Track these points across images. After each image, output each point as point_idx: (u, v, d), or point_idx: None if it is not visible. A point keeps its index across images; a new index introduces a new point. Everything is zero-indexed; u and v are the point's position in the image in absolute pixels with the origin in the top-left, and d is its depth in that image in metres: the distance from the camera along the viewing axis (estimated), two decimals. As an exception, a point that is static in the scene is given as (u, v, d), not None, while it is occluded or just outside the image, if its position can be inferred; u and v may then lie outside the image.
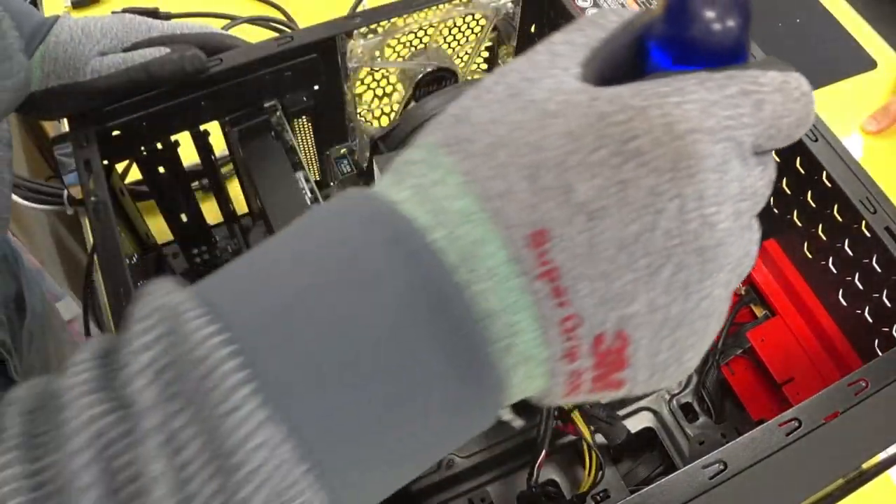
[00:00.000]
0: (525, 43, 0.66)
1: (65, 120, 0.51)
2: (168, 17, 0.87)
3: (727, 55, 0.21)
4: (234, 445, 0.17)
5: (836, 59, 0.94)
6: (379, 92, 0.64)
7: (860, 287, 0.50)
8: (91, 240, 0.72)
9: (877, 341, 0.50)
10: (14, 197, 0.69)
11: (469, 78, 0.67)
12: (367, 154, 0.60)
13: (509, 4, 0.62)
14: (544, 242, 0.19)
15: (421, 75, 0.62)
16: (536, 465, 0.52)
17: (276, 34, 0.67)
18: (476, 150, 0.20)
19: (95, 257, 0.66)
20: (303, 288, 0.19)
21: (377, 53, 0.59)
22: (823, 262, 0.53)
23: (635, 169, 0.19)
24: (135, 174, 0.72)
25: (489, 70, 0.70)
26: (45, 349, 0.66)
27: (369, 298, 0.19)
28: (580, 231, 0.19)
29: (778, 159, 0.55)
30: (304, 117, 0.61)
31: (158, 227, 0.65)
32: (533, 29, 0.65)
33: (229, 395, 0.18)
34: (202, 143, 0.59)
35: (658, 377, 0.22)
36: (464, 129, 0.21)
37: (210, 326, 0.19)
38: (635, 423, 0.60)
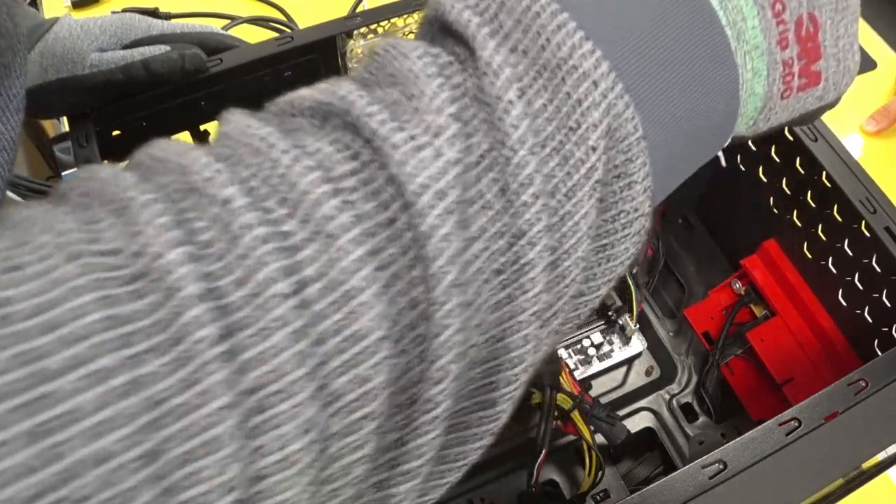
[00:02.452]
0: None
1: (65, 119, 0.51)
2: (168, 16, 0.87)
3: None
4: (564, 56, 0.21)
5: (836, 60, 0.94)
6: (379, 92, 0.64)
7: (860, 287, 0.50)
8: (91, 239, 0.72)
9: (877, 341, 0.50)
10: (13, 196, 0.69)
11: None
12: (367, 154, 0.60)
13: (509, 4, 0.62)
14: None
15: (421, 75, 0.61)
16: (536, 465, 0.52)
17: (276, 34, 0.68)
18: None
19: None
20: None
21: (377, 53, 0.59)
22: (823, 262, 0.53)
23: None
24: (135, 174, 0.72)
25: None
26: None
27: None
28: None
29: (778, 159, 0.55)
30: (304, 117, 0.61)
31: (158, 227, 0.65)
32: (533, 29, 0.65)
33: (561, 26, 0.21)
34: (202, 143, 0.59)
35: (842, 69, 0.28)
36: None
37: None
38: (635, 423, 0.60)
